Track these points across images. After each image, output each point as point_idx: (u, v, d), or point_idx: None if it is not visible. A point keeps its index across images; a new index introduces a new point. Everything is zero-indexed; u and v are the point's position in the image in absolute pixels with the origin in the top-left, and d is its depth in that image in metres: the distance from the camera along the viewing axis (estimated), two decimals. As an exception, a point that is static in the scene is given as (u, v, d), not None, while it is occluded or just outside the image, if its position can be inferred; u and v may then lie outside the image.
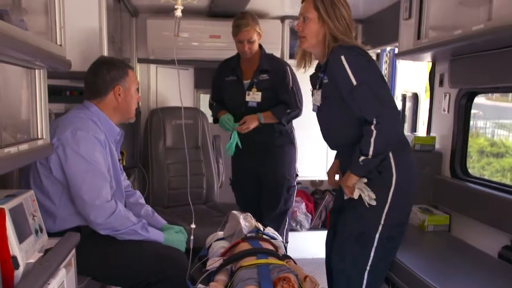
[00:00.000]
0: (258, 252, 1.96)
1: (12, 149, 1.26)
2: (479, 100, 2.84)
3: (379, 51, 4.01)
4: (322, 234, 2.53)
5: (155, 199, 3.58)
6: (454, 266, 2.27)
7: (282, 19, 3.85)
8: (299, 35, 2.14)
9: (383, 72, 3.96)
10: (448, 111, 2.87)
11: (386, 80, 3.80)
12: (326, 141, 2.26)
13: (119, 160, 2.20)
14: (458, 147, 2.80)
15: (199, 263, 2.17)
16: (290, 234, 3.44)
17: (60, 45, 1.57)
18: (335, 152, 2.33)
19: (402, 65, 4.04)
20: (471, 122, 2.88)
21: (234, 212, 2.38)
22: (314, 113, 2.22)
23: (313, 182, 4.54)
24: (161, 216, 2.59)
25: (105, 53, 2.35)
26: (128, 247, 1.97)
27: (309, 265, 3.02)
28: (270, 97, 2.99)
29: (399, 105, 4.21)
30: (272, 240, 2.21)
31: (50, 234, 1.77)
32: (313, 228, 4.24)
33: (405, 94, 4.28)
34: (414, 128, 4.14)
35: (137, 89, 2.19)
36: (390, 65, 3.98)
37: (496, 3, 2.00)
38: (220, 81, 3.15)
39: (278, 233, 3.16)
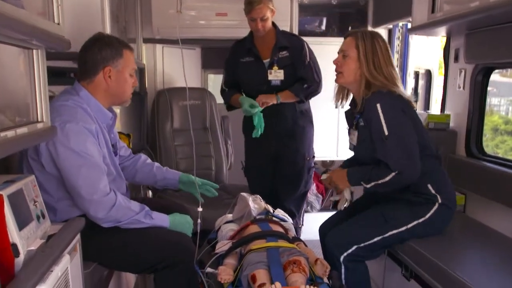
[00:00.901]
0: (267, 235, 1.92)
1: (10, 133, 1.21)
2: (493, 77, 2.75)
3: (391, 26, 3.88)
4: (333, 216, 2.50)
5: (164, 181, 3.54)
6: (469, 247, 2.22)
7: (291, -4, 3.72)
8: (336, 70, 2.23)
9: (394, 49, 3.85)
10: (463, 88, 2.77)
11: (398, 59, 3.74)
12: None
13: (113, 144, 2.11)
14: (474, 125, 2.71)
15: (208, 246, 2.14)
16: (300, 215, 3.39)
17: (58, 24, 1.50)
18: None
19: (415, 41, 3.91)
20: (485, 99, 2.79)
21: (243, 194, 2.34)
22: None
23: (324, 163, 4.48)
24: (170, 199, 2.57)
25: (108, 32, 2.27)
26: (135, 233, 1.93)
27: (320, 247, 2.98)
28: (292, 74, 2.91)
29: (411, 83, 4.11)
30: (282, 222, 2.16)
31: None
32: (323, 209, 4.20)
33: (418, 71, 4.18)
34: (427, 106, 4.05)
35: (134, 73, 2.02)
36: (402, 41, 3.85)
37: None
38: (235, 63, 3.03)
39: (297, 215, 3.14)
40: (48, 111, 1.52)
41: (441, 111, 3.08)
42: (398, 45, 3.92)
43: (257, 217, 2.16)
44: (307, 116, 3.08)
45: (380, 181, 2.07)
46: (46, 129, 1.51)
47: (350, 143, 2.33)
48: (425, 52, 4.12)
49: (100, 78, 1.92)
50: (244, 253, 1.85)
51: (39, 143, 1.70)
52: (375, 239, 2.13)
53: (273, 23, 2.95)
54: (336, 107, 2.41)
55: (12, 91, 1.42)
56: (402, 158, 2.02)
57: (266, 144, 3.01)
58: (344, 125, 2.41)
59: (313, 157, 3.16)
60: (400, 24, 3.82)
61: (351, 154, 2.44)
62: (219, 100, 3.96)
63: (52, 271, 1.23)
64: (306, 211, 4.11)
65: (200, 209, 2.03)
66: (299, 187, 3.07)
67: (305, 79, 2.90)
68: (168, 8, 3.37)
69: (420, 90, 4.23)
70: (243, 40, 3.05)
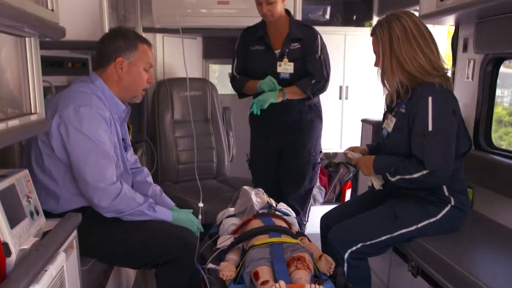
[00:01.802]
0: (270, 230, 1.87)
1: (0, 125, 1.15)
2: (497, 68, 2.67)
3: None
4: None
5: (164, 173, 3.49)
6: (478, 243, 2.15)
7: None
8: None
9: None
10: (472, 79, 2.69)
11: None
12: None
13: (123, 138, 2.08)
14: (483, 117, 2.63)
15: (209, 241, 2.09)
16: (304, 208, 3.33)
17: (52, 10, 1.43)
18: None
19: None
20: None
21: (245, 187, 2.28)
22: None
23: (327, 155, 4.41)
24: (171, 191, 2.51)
25: (106, 21, 2.21)
26: (135, 227, 1.89)
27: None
28: (301, 67, 2.76)
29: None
30: (285, 217, 2.11)
31: (54, 215, 1.70)
32: (327, 202, 4.13)
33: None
34: (433, 97, 3.97)
35: (150, 69, 2.01)
36: (408, 30, 3.76)
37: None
38: (244, 50, 2.89)
39: (302, 212, 3.06)
40: (42, 102, 1.46)
41: (448, 103, 3.00)
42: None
43: (260, 211, 2.10)
44: (316, 110, 2.95)
45: (407, 176, 1.97)
46: (40, 121, 1.44)
47: (384, 128, 2.21)
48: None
49: (111, 68, 1.92)
50: (246, 249, 1.81)
51: (32, 136, 1.65)
52: (383, 238, 2.06)
53: (288, 12, 2.81)
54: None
55: (3, 81, 1.36)
56: (440, 158, 1.92)
57: (272, 137, 2.92)
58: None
59: (320, 152, 3.03)
60: (407, 13, 3.73)
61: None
62: (221, 90, 3.90)
63: (46, 270, 1.18)
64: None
65: (201, 204, 1.98)
66: (303, 183, 2.96)
67: (313, 74, 2.76)
68: (168, -4, 3.30)
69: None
70: (254, 27, 2.89)
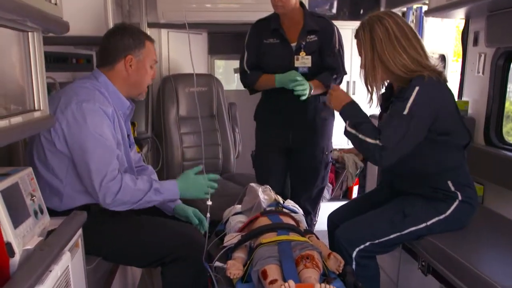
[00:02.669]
0: (278, 228, 1.84)
1: (2, 122, 1.12)
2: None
3: (404, 9, 3.73)
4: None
5: (170, 170, 3.47)
6: (489, 240, 2.11)
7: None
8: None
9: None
10: (483, 73, 2.64)
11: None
12: None
13: (128, 135, 2.06)
14: (494, 112, 2.61)
15: (216, 239, 2.06)
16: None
17: (56, 4, 1.40)
18: None
19: (429, 24, 3.76)
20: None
21: (252, 184, 2.24)
22: None
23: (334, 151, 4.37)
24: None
25: (110, 16, 2.18)
26: (141, 225, 1.86)
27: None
28: (318, 61, 2.64)
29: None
30: (293, 214, 2.08)
31: (58, 213, 1.68)
32: (333, 199, 4.10)
33: (432, 56, 4.01)
34: (441, 93, 3.91)
35: (154, 65, 2.01)
36: (417, 25, 3.70)
37: None
38: (256, 44, 2.73)
39: (313, 213, 3.00)
40: (46, 99, 1.43)
41: (458, 98, 2.94)
42: (412, 29, 3.77)
43: (267, 208, 2.07)
44: (330, 108, 2.75)
45: (360, 135, 1.96)
46: (44, 118, 1.41)
47: None
48: (439, 36, 3.96)
49: (121, 66, 1.90)
50: (254, 247, 1.77)
51: (36, 133, 1.62)
52: (391, 236, 2.04)
53: (302, 4, 2.69)
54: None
55: (6, 77, 1.33)
56: (396, 139, 1.90)
57: (282, 135, 2.78)
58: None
59: (331, 151, 2.92)
60: (415, 6, 3.67)
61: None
62: (226, 86, 3.87)
63: (51, 270, 1.15)
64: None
65: (209, 202, 1.93)
66: (315, 183, 2.86)
67: (334, 69, 2.64)
68: (173, -9, 3.27)
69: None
70: (267, 19, 2.76)
